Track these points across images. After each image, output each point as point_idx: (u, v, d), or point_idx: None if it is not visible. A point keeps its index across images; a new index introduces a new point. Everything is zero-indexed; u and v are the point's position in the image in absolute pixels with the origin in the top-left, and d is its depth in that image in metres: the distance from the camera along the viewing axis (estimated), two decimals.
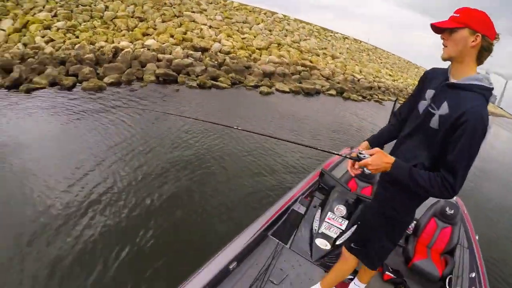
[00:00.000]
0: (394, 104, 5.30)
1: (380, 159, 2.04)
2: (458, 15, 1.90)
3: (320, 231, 3.64)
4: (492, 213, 9.83)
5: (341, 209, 3.68)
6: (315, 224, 3.73)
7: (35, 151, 6.16)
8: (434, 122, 2.00)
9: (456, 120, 1.87)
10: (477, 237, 4.99)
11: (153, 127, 8.25)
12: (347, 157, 2.25)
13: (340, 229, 3.62)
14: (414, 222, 4.43)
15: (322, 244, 3.55)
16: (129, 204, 5.13)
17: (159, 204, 5.33)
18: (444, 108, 1.97)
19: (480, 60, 1.96)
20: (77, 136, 7.05)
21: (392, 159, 2.04)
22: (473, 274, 4.12)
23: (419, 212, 3.99)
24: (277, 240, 3.51)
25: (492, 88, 1.96)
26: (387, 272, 3.86)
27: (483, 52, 1.93)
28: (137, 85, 11.36)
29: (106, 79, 11.00)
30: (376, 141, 2.61)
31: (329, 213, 3.71)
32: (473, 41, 1.88)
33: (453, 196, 1.95)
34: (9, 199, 4.81)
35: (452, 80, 2.01)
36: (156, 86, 11.96)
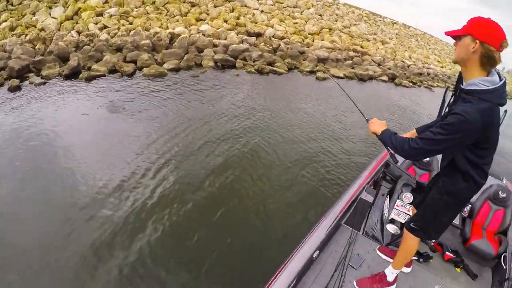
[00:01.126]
0: (445, 92, 4.96)
1: (378, 124, 2.62)
2: (467, 24, 2.14)
3: (390, 217, 3.88)
4: None
5: (408, 197, 3.86)
6: (385, 211, 3.99)
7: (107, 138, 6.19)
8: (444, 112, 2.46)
9: (449, 113, 2.21)
10: None
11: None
12: (366, 119, 2.86)
13: (408, 214, 3.79)
14: (469, 205, 4.67)
15: (393, 229, 3.83)
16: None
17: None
18: (454, 108, 2.23)
19: (485, 66, 2.13)
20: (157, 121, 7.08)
21: (385, 128, 2.55)
22: None
23: (474, 196, 4.04)
24: (351, 228, 3.66)
25: (492, 89, 2.09)
26: (447, 253, 4.17)
27: (484, 59, 2.09)
28: (197, 71, 11.16)
29: (165, 65, 10.88)
30: (423, 129, 3.00)
31: (398, 200, 3.90)
32: (473, 47, 2.08)
33: (407, 152, 2.32)
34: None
35: (464, 83, 2.23)
36: (216, 71, 11.78)
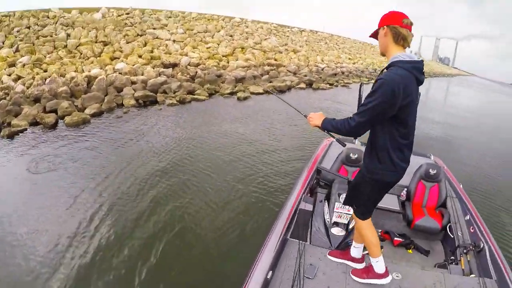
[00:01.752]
0: (360, 86, 5.64)
1: (317, 116, 2.83)
2: (380, 21, 2.60)
3: (333, 221, 3.90)
4: (468, 161, 11.52)
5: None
6: (327, 217, 3.98)
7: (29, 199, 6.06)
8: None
9: (374, 85, 2.46)
10: (461, 186, 5.61)
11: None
12: (303, 115, 3.22)
13: (349, 214, 3.87)
14: (405, 189, 5.10)
15: (338, 231, 3.82)
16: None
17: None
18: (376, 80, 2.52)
19: (400, 44, 2.51)
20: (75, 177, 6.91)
21: (324, 117, 2.79)
22: (468, 217, 4.63)
23: (407, 179, 4.97)
24: (298, 240, 3.59)
25: (410, 59, 2.47)
26: (395, 238, 4.48)
27: (397, 37, 2.48)
28: (120, 112, 11.19)
29: (87, 111, 10.74)
30: None
31: (336, 203, 3.92)
32: (384, 33, 2.52)
33: (354, 128, 2.54)
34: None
35: (388, 62, 2.56)
36: (138, 109, 11.87)
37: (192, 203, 6.09)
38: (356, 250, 3.32)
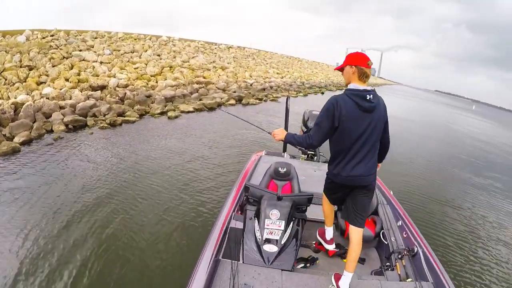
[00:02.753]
0: (287, 100, 6.49)
1: (280, 132, 3.67)
2: (345, 59, 3.32)
3: (264, 238, 3.76)
4: (397, 168, 12.97)
5: (275, 213, 3.85)
6: (258, 234, 3.84)
7: None
8: None
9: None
10: (391, 193, 5.85)
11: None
12: (268, 132, 4.14)
13: (280, 229, 3.78)
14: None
15: (270, 248, 3.70)
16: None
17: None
18: None
19: (362, 80, 3.26)
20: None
21: (286, 133, 3.63)
22: (400, 222, 4.79)
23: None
24: (230, 260, 3.53)
25: (353, 89, 3.23)
26: (330, 249, 4.51)
27: (361, 75, 3.23)
28: (50, 138, 11.23)
29: (16, 139, 10.62)
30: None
31: (266, 220, 3.83)
32: (353, 71, 3.24)
33: (311, 142, 3.39)
34: None
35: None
36: (69, 134, 11.95)
37: (126, 226, 6.40)
38: (328, 231, 4.40)
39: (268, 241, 3.75)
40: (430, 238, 6.42)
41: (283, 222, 3.81)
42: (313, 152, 7.97)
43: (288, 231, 3.84)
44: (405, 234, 4.50)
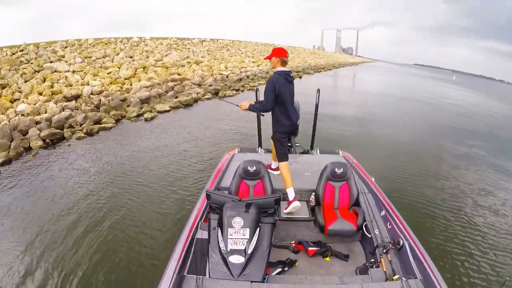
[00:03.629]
0: (256, 91, 6.75)
1: (245, 104, 5.05)
2: (272, 51, 4.99)
3: (228, 249, 3.54)
4: (378, 152, 12.62)
5: (238, 221, 3.64)
6: (222, 245, 3.59)
7: None
8: None
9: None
10: (373, 179, 5.60)
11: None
12: (236, 105, 5.35)
13: (245, 238, 3.58)
14: (313, 193, 5.07)
15: (236, 259, 3.48)
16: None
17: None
18: None
19: (284, 64, 5.04)
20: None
21: (249, 103, 5.03)
22: (383, 212, 4.58)
23: (313, 183, 5.18)
24: (195, 276, 3.34)
25: (284, 71, 5.02)
26: (309, 248, 4.37)
27: (284, 62, 5.02)
28: (29, 156, 11.37)
29: None
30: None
31: (229, 229, 3.62)
32: (277, 61, 4.99)
33: (265, 107, 4.93)
34: None
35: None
36: (47, 150, 12.08)
37: (111, 233, 6.73)
38: (274, 164, 6.07)
39: (233, 252, 3.54)
40: (417, 229, 5.58)
41: (248, 230, 3.61)
42: (289, 144, 7.49)
43: (255, 238, 3.62)
44: (389, 225, 4.30)
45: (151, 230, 6.85)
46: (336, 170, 4.91)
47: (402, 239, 3.84)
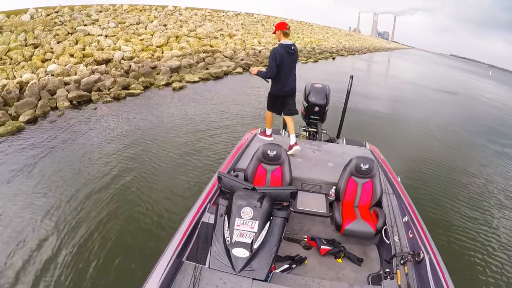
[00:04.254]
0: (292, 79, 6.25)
1: (255, 68, 5.73)
2: (275, 26, 5.64)
3: (233, 241, 3.22)
4: (408, 147, 11.59)
5: (248, 211, 3.31)
6: (226, 235, 3.30)
7: None
8: None
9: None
10: (399, 179, 5.09)
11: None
12: (247, 68, 6.82)
13: (253, 232, 3.25)
14: (334, 187, 4.60)
15: (240, 253, 3.17)
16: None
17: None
18: None
19: (286, 36, 5.52)
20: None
21: (257, 69, 5.69)
22: (406, 218, 4.13)
23: (335, 176, 4.73)
24: (194, 263, 3.16)
25: (287, 43, 5.51)
26: (322, 246, 4.11)
27: (285, 34, 5.51)
28: (54, 115, 11.37)
29: (21, 118, 10.81)
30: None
31: (237, 219, 3.29)
32: (279, 33, 5.53)
33: (269, 74, 5.54)
34: None
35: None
36: (73, 111, 12.06)
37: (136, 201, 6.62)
38: (268, 130, 6.32)
39: (238, 244, 3.21)
40: (440, 241, 5.62)
41: (257, 222, 3.27)
42: (314, 130, 7.31)
43: (263, 233, 3.29)
44: (411, 233, 3.89)
45: (169, 196, 6.76)
46: (362, 165, 4.43)
47: (423, 251, 3.44)
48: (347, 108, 7.58)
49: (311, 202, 4.52)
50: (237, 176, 4.54)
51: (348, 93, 7.31)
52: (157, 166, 8.03)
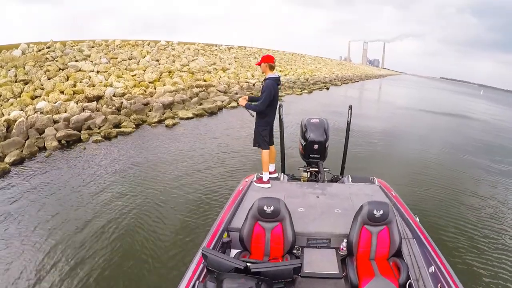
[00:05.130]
0: (279, 110, 6.31)
1: (243, 99, 5.76)
2: (261, 58, 5.75)
3: None
4: (417, 180, 10.36)
5: None
6: None
7: None
8: (261, 91, 5.68)
9: (262, 88, 5.62)
10: (417, 219, 4.59)
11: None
12: (236, 100, 6.47)
13: None
14: (345, 240, 4.00)
15: None
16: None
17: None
18: (262, 85, 5.70)
19: (272, 69, 5.70)
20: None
21: (246, 102, 5.71)
22: (432, 268, 3.62)
23: (345, 225, 4.15)
24: None
25: (276, 76, 5.73)
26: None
27: (271, 67, 5.69)
28: (42, 157, 10.93)
29: (7, 159, 10.33)
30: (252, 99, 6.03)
31: None
32: (266, 66, 5.67)
33: (259, 109, 5.60)
34: None
35: (265, 77, 5.71)
36: (61, 151, 11.64)
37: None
38: (265, 175, 5.86)
39: None
40: None
41: None
42: (316, 169, 6.67)
43: None
44: (440, 286, 3.35)
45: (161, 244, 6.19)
46: (375, 212, 3.81)
47: None
48: (348, 141, 7.05)
49: (320, 262, 3.97)
50: (229, 242, 4.15)
51: (349, 124, 6.81)
52: (145, 214, 7.52)
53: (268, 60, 5.69)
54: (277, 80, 5.72)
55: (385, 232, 3.88)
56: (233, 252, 4.13)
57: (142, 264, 5.80)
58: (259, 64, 5.82)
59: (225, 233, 4.20)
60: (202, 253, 2.97)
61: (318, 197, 5.30)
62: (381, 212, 3.80)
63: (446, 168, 12.38)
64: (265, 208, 3.94)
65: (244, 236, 4.02)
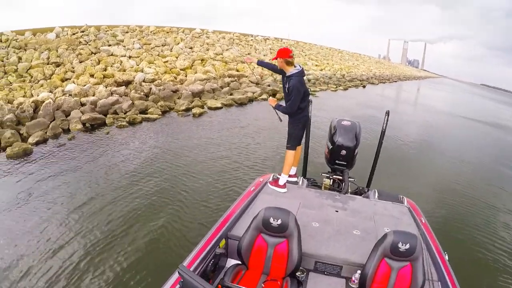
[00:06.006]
0: (308, 107, 5.59)
1: (273, 100, 5.29)
2: (277, 53, 4.93)
3: None
4: (452, 203, 8.95)
5: None
6: None
7: None
8: (287, 90, 4.97)
9: (289, 88, 4.87)
10: (446, 257, 3.89)
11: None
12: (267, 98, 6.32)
13: None
14: (359, 272, 3.43)
15: None
16: None
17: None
18: (288, 84, 4.91)
19: (290, 64, 4.90)
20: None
21: (276, 102, 5.22)
22: None
23: (363, 253, 3.57)
24: None
25: (299, 70, 4.92)
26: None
27: (288, 62, 4.89)
28: (64, 139, 10.89)
29: (30, 139, 10.39)
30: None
31: None
32: (281, 61, 4.91)
33: (289, 111, 5.04)
34: None
35: (287, 74, 4.99)
36: (84, 134, 11.56)
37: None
38: (282, 179, 5.26)
39: None
40: None
41: None
42: (340, 178, 5.88)
43: None
44: None
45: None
46: (400, 245, 3.13)
47: None
48: (380, 151, 6.30)
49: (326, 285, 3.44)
50: (225, 253, 3.73)
51: (383, 132, 6.04)
52: (164, 201, 7.35)
53: (283, 55, 4.82)
54: (302, 74, 4.91)
55: (407, 269, 3.22)
56: (230, 262, 3.72)
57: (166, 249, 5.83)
58: (275, 59, 4.94)
59: (223, 241, 3.70)
60: (178, 272, 2.38)
61: (337, 211, 4.67)
62: (408, 246, 3.13)
63: (491, 194, 10.29)
64: (271, 220, 3.39)
65: (243, 247, 3.50)
